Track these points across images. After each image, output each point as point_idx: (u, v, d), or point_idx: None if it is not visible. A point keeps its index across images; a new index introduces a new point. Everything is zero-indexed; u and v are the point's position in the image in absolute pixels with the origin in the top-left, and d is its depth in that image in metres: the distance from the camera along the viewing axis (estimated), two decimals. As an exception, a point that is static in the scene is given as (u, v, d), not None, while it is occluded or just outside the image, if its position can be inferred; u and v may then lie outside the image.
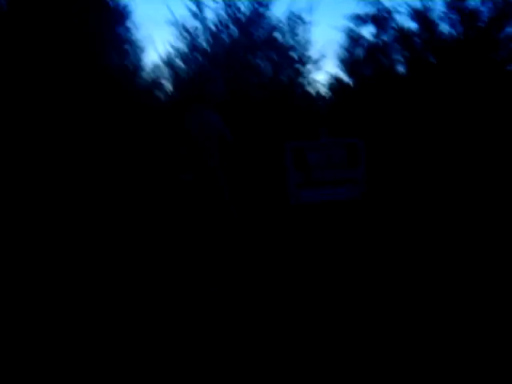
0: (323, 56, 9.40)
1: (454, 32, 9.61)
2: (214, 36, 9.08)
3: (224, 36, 9.11)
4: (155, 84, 10.19)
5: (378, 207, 6.93)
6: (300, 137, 6.96)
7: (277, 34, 9.21)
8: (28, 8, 8.40)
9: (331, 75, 10.11)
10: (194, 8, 9.10)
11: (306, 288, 4.55)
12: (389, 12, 9.93)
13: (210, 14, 9.15)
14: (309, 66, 9.35)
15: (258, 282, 4.72)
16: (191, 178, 4.41)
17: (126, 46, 10.31)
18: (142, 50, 10.34)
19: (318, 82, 9.67)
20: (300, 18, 9.19)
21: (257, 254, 5.39)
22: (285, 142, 6.16)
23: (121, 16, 10.18)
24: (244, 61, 8.88)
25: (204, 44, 9.19)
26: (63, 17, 8.68)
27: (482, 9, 9.42)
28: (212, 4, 9.18)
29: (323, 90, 9.86)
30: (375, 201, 6.96)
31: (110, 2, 10.04)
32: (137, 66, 10.46)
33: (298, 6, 9.34)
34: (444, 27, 9.63)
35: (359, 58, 10.25)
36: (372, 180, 6.75)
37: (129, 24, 10.09)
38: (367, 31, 10.04)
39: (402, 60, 10.02)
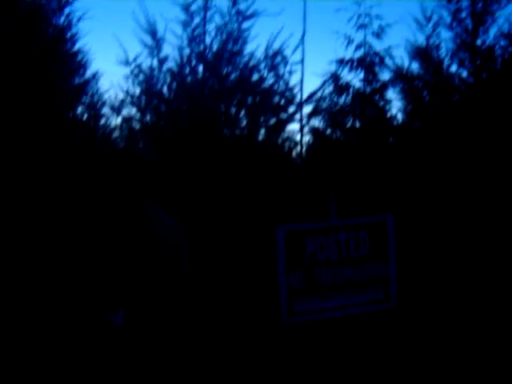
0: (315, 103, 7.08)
1: (463, 73, 7.44)
2: (175, 77, 6.70)
3: (187, 77, 6.73)
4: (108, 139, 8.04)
5: (422, 324, 4.47)
6: (295, 215, 4.47)
7: (255, 76, 6.83)
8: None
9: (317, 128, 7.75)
10: (150, 44, 6.76)
11: None
12: (382, 57, 7.79)
13: (170, 51, 6.82)
14: (297, 115, 7.01)
15: None
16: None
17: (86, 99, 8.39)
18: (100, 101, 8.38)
19: (306, 135, 7.26)
20: (283, 56, 6.84)
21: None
22: (275, 224, 3.59)
23: (80, 66, 8.25)
24: (212, 107, 6.47)
25: (163, 87, 6.81)
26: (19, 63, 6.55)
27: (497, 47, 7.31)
28: (173, 39, 6.78)
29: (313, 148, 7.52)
30: (415, 313, 4.50)
31: (70, 50, 8.06)
32: (96, 120, 8.46)
33: (279, 43, 6.82)
34: (451, 68, 7.50)
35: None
36: (406, 278, 4.23)
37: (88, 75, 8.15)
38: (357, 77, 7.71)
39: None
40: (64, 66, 7.56)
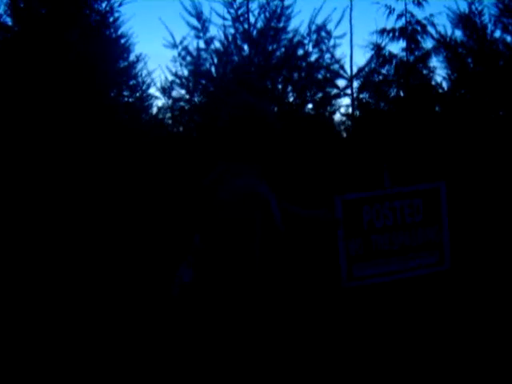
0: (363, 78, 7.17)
1: (507, 38, 7.38)
2: (221, 57, 6.89)
3: (233, 56, 6.92)
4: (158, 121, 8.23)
5: (475, 287, 4.64)
6: (346, 185, 4.64)
7: (299, 52, 6.96)
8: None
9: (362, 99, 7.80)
10: (196, 25, 6.96)
11: None
12: (423, 25, 7.79)
13: (215, 31, 7.01)
14: (342, 89, 7.10)
15: None
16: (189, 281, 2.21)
17: (131, 82, 8.61)
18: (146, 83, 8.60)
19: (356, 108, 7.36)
20: (326, 31, 6.94)
21: None
22: (333, 195, 3.79)
23: (124, 49, 8.46)
24: (259, 84, 6.62)
25: (211, 68, 7.01)
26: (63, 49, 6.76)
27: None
28: (218, 20, 6.96)
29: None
30: (468, 276, 4.68)
31: (113, 34, 8.27)
32: (142, 102, 8.67)
33: (322, 18, 6.93)
34: (495, 33, 7.44)
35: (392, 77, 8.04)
36: (459, 243, 4.38)
37: (132, 58, 8.39)
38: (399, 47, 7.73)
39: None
40: (107, 50, 7.77)
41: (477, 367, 3.51)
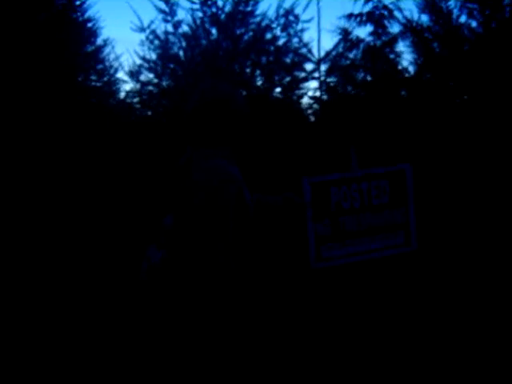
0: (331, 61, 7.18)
1: (472, 23, 7.48)
2: (189, 41, 6.85)
3: (202, 40, 6.88)
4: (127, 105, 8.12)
5: (440, 268, 4.73)
6: (313, 168, 4.69)
7: (268, 36, 6.96)
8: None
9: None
10: (164, 9, 6.89)
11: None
12: (391, 10, 7.82)
13: (183, 15, 6.98)
14: (309, 72, 7.12)
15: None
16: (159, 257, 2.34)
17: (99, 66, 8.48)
18: (113, 67, 8.50)
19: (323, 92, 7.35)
20: (294, 15, 6.95)
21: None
22: (302, 176, 3.82)
23: (91, 33, 8.32)
24: (227, 68, 6.61)
25: (179, 51, 6.97)
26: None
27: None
28: (186, 3, 6.92)
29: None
30: (434, 257, 4.77)
31: (80, 17, 8.11)
32: (110, 86, 8.56)
33: (290, 2, 6.94)
34: (460, 19, 7.52)
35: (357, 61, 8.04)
36: (425, 224, 4.47)
37: (99, 42, 8.27)
38: (366, 31, 7.74)
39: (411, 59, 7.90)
40: (74, 33, 7.65)
41: (441, 345, 3.61)
